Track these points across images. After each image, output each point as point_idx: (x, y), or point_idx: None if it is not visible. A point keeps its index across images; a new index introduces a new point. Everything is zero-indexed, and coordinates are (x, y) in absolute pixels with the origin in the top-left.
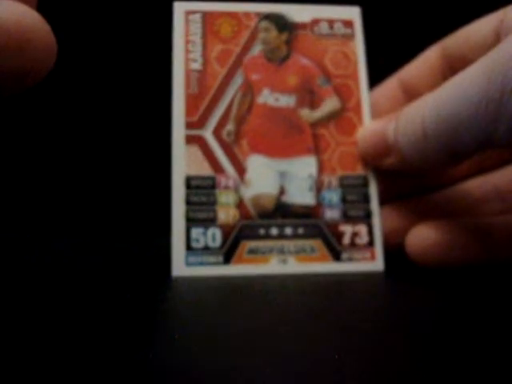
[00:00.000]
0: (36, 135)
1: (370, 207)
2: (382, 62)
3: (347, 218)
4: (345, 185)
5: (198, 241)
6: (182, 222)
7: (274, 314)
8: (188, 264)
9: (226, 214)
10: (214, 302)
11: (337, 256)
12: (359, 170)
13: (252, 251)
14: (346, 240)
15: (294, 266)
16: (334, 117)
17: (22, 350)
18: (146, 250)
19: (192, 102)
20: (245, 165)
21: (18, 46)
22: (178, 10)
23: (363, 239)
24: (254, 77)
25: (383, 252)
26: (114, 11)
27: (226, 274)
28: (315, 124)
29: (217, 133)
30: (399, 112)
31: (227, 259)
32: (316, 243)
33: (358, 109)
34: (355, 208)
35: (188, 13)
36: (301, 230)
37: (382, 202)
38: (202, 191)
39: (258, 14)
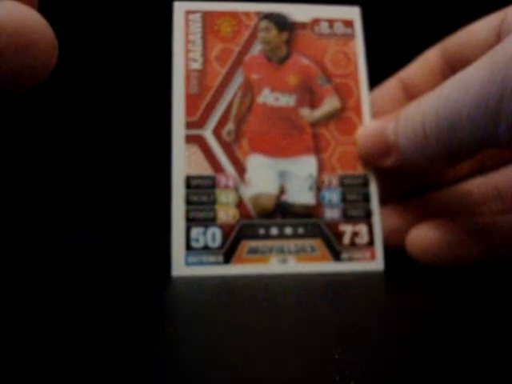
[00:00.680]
0: (36, 134)
1: (370, 207)
2: (382, 62)
3: (347, 218)
4: (345, 184)
5: (197, 240)
6: (182, 222)
7: (273, 313)
8: (188, 264)
9: (226, 213)
10: (214, 302)
11: (337, 256)
12: (359, 170)
13: (252, 251)
14: (346, 240)
15: (293, 266)
16: (333, 116)
17: (20, 347)
18: (146, 250)
19: (192, 101)
20: (245, 164)
21: (19, 47)
22: (178, 9)
23: (363, 239)
24: (254, 76)
25: (383, 252)
26: (114, 11)
27: (225, 274)
28: (315, 123)
29: (217, 132)
30: (399, 111)
31: (227, 259)
32: (316, 243)
33: (357, 108)
34: (355, 208)
35: (188, 12)
36: (301, 230)
37: (383, 201)
38: (201, 191)
39: (258, 14)
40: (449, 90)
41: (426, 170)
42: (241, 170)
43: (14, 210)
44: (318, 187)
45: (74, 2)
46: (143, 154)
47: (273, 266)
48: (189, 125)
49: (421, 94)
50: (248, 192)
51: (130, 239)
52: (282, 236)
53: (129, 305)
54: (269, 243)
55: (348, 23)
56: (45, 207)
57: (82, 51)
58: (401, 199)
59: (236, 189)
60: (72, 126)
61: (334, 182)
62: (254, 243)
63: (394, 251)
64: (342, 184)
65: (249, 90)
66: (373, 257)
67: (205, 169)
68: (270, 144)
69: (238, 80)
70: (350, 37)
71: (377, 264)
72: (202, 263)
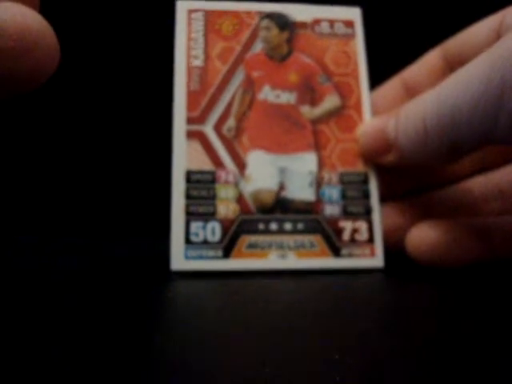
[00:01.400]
0: (35, 132)
1: (370, 204)
2: (383, 62)
3: (347, 214)
4: (345, 181)
5: (197, 235)
6: (182, 216)
7: (271, 310)
8: (187, 258)
9: (226, 208)
10: (213, 297)
11: (336, 252)
12: (359, 167)
13: (251, 246)
14: (346, 236)
15: (293, 262)
16: (334, 114)
17: (17, 346)
18: (146, 244)
19: (193, 97)
20: (245, 160)
21: (21, 48)
22: (181, 8)
23: (363, 235)
24: (255, 74)
25: (383, 248)
26: (118, 9)
27: (225, 269)
28: (316, 121)
29: (217, 128)
30: (399, 109)
31: (226, 253)
32: (316, 239)
33: (358, 106)
34: (355, 204)
35: (190, 11)
36: (300, 226)
37: (383, 199)
38: (202, 185)
39: (259, 13)
40: (449, 86)
41: (427, 168)
42: (241, 165)
43: (13, 209)
44: (318, 184)
45: (76, 1)
46: (144, 149)
47: (272, 262)
48: (190, 120)
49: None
50: (248, 187)
51: (129, 233)
52: (281, 231)
53: (127, 299)
54: (268, 238)
55: (349, 23)
56: (45, 202)
57: (86, 49)
58: (401, 197)
59: (236, 184)
60: (74, 121)
61: (334, 178)
62: (253, 238)
63: (395, 248)
64: (342, 181)
65: (250, 87)
66: (372, 253)
67: (205, 164)
68: (270, 140)
69: (239, 77)
70: (351, 37)
71: (376, 261)
72: (201, 257)
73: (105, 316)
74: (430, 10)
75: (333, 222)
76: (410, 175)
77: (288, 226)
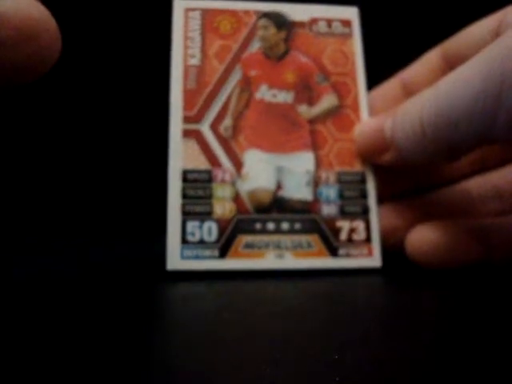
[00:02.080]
0: (30, 130)
1: (367, 203)
2: (380, 62)
3: (344, 214)
4: (342, 181)
5: (193, 234)
6: (178, 216)
7: (269, 311)
8: (183, 257)
9: (223, 207)
10: (209, 297)
11: (334, 252)
12: (357, 167)
13: (248, 245)
14: (343, 236)
15: (290, 262)
16: (331, 113)
17: (15, 347)
18: (142, 244)
19: (190, 96)
20: (242, 159)
21: (24, 38)
22: (178, 7)
23: (360, 235)
24: (252, 73)
25: (381, 248)
26: (116, 6)
27: (221, 269)
28: (313, 120)
29: (214, 127)
30: (396, 108)
31: (223, 253)
32: (313, 239)
33: (355, 106)
34: (353, 204)
35: (188, 10)
36: (298, 225)
37: (381, 200)
38: (198, 185)
39: (256, 12)
40: (447, 85)
41: (424, 168)
42: (238, 164)
43: (11, 211)
44: (316, 183)
45: None
46: (140, 148)
47: (269, 262)
48: (186, 119)
49: None
50: (245, 187)
51: (125, 233)
52: (278, 231)
53: (122, 300)
54: (265, 238)
55: (346, 23)
56: (41, 201)
57: (81, 47)
58: (399, 198)
59: (233, 183)
60: (69, 118)
61: (332, 178)
62: (250, 238)
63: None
64: (340, 180)
65: (247, 86)
66: (370, 253)
67: (202, 163)
68: (267, 139)
69: (235, 76)
70: (348, 36)
71: (374, 261)
72: (197, 257)
73: (99, 317)
74: (428, 9)
75: (330, 221)
76: (408, 175)
77: (285, 225)
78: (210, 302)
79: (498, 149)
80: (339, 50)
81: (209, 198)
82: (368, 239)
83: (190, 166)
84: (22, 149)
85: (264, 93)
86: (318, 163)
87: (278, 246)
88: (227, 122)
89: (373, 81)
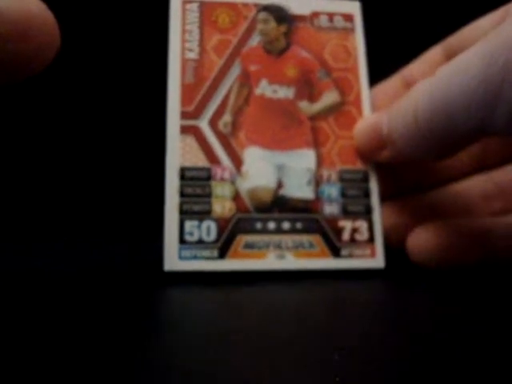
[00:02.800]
0: (26, 130)
1: (370, 203)
2: (383, 57)
3: (347, 214)
4: (345, 179)
5: (191, 234)
6: (176, 215)
7: (269, 314)
8: (181, 258)
9: (222, 206)
10: (208, 299)
11: (336, 252)
12: (359, 165)
13: (248, 245)
14: (346, 236)
15: (291, 262)
16: (333, 110)
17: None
18: (139, 244)
19: (188, 91)
20: (242, 156)
21: (21, 33)
22: None
23: (363, 235)
24: (252, 68)
25: (384, 249)
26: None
27: (220, 269)
28: (314, 117)
29: (213, 123)
30: (393, 103)
31: (222, 253)
32: (315, 239)
33: (357, 102)
34: (355, 203)
35: (185, 2)
36: (299, 225)
37: (383, 198)
38: (196, 183)
39: (256, 5)
40: (444, 74)
41: (426, 166)
42: (237, 162)
43: (8, 211)
44: (317, 182)
45: None
46: (137, 145)
47: (270, 262)
48: (184, 115)
49: None
50: (245, 185)
51: (122, 233)
52: (279, 231)
53: (117, 302)
54: (266, 238)
55: (348, 17)
56: (38, 202)
57: (76, 41)
58: (402, 196)
59: (232, 181)
60: (65, 117)
61: (334, 176)
62: (250, 238)
63: (394, 248)
64: (342, 179)
65: (246, 82)
66: (373, 254)
67: (200, 160)
68: (267, 136)
69: (235, 71)
70: (350, 31)
71: (377, 261)
72: (195, 257)
73: (94, 319)
74: (431, 4)
75: (332, 221)
76: (409, 173)
77: (286, 225)
78: (210, 303)
79: (499, 146)
80: (341, 44)
81: (208, 196)
82: (371, 239)
83: (188, 164)
84: (18, 147)
85: (264, 88)
86: (320, 161)
87: (278, 246)
88: (226, 118)
89: (375, 76)
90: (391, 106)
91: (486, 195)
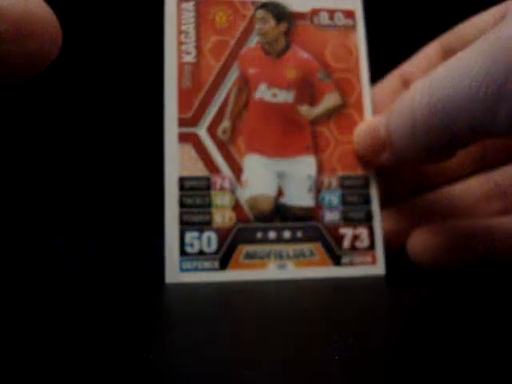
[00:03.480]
0: (22, 138)
1: (370, 209)
2: (384, 55)
3: (347, 221)
4: (345, 186)
5: (192, 245)
6: (176, 226)
7: (271, 324)
8: (182, 270)
9: (222, 216)
10: (210, 311)
11: (337, 260)
12: (360, 170)
13: (249, 256)
14: (347, 243)
15: (292, 272)
16: (334, 113)
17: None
18: (140, 256)
19: (185, 97)
20: (241, 165)
21: (23, 33)
22: None
23: (364, 242)
24: (251, 71)
25: (384, 255)
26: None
27: (221, 280)
28: (315, 121)
29: (211, 130)
30: (392, 104)
31: (223, 264)
32: (315, 247)
33: (359, 105)
34: (356, 210)
35: (180, 1)
36: (299, 234)
37: (382, 202)
38: (196, 193)
39: (254, 3)
40: (444, 73)
41: (425, 168)
42: (237, 170)
43: (6, 211)
44: (318, 189)
45: None
46: (134, 154)
47: (271, 272)
48: (182, 122)
49: None
50: (245, 194)
51: (122, 244)
52: (280, 240)
53: (119, 314)
54: (266, 248)
55: (349, 14)
56: (34, 212)
57: (69, 42)
58: (400, 200)
59: (232, 191)
60: (60, 124)
61: (334, 183)
62: (251, 248)
63: (394, 254)
64: (342, 185)
65: (245, 86)
66: (374, 261)
67: (199, 169)
68: (267, 143)
69: (233, 75)
70: (351, 28)
71: (378, 268)
72: (196, 269)
73: (94, 329)
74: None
75: (333, 228)
76: (408, 176)
77: (287, 234)
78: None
79: (499, 146)
80: (342, 43)
81: (207, 206)
82: (372, 246)
83: (187, 173)
84: (19, 147)
85: (263, 92)
86: (320, 167)
87: (279, 256)
88: (225, 124)
89: (376, 77)
90: (390, 107)
91: (486, 196)
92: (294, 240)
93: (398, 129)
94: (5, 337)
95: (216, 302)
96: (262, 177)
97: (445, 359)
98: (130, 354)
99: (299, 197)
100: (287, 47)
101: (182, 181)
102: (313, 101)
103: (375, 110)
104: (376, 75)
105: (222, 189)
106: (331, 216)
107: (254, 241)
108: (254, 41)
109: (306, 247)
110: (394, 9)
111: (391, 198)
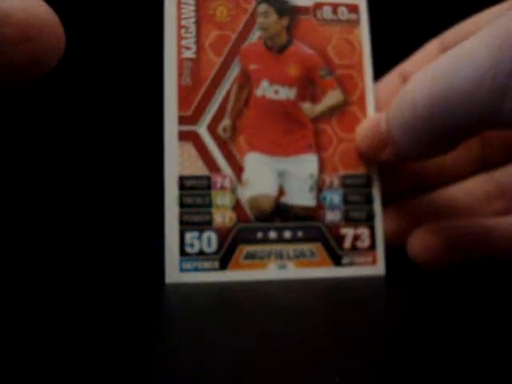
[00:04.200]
0: (21, 140)
1: (372, 208)
2: (388, 51)
3: (349, 221)
4: (347, 185)
5: (192, 245)
6: (176, 226)
7: (271, 325)
8: (182, 270)
9: (222, 216)
10: (209, 312)
11: (337, 260)
12: (362, 169)
13: (249, 256)
14: (347, 243)
15: (292, 272)
16: (336, 111)
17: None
18: (139, 255)
19: (185, 94)
20: (242, 163)
21: (27, 36)
22: None
23: (365, 242)
24: (252, 67)
25: (384, 255)
26: None
27: (222, 281)
28: (317, 118)
29: (212, 129)
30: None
31: (223, 265)
32: (316, 247)
33: (361, 102)
34: (357, 209)
35: None
36: (300, 233)
37: (383, 202)
38: (196, 192)
39: None
40: (446, 62)
41: (426, 167)
42: (238, 169)
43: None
44: (319, 188)
45: None
46: (134, 153)
47: (271, 272)
48: (182, 120)
49: None
50: (245, 193)
51: (122, 244)
52: (280, 240)
53: (119, 314)
54: (267, 248)
55: (353, 8)
56: (34, 212)
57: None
58: (401, 199)
59: (233, 190)
60: (60, 123)
61: (336, 182)
62: (251, 248)
63: (394, 254)
64: (344, 184)
65: (246, 82)
66: (374, 261)
67: (199, 168)
68: (268, 141)
69: (234, 71)
70: (355, 23)
71: (378, 269)
72: (196, 269)
73: (94, 330)
74: None
75: (334, 228)
76: (409, 176)
77: (287, 234)
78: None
79: (500, 145)
80: (345, 39)
81: (208, 206)
82: (372, 246)
83: (187, 172)
84: (20, 149)
85: (265, 89)
86: (322, 166)
87: (279, 256)
88: (226, 122)
89: (380, 72)
90: (390, 103)
91: (487, 195)
92: (294, 240)
93: (399, 122)
94: (5, 337)
95: (216, 302)
96: (263, 176)
97: (445, 359)
98: (129, 354)
99: (300, 196)
100: (289, 42)
101: (182, 180)
102: (315, 98)
103: (377, 108)
104: (379, 72)
105: (222, 188)
106: (332, 216)
107: (254, 241)
108: (255, 35)
109: (306, 247)
110: (397, 3)
111: (391, 198)
